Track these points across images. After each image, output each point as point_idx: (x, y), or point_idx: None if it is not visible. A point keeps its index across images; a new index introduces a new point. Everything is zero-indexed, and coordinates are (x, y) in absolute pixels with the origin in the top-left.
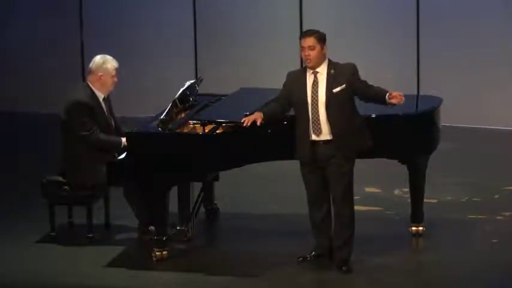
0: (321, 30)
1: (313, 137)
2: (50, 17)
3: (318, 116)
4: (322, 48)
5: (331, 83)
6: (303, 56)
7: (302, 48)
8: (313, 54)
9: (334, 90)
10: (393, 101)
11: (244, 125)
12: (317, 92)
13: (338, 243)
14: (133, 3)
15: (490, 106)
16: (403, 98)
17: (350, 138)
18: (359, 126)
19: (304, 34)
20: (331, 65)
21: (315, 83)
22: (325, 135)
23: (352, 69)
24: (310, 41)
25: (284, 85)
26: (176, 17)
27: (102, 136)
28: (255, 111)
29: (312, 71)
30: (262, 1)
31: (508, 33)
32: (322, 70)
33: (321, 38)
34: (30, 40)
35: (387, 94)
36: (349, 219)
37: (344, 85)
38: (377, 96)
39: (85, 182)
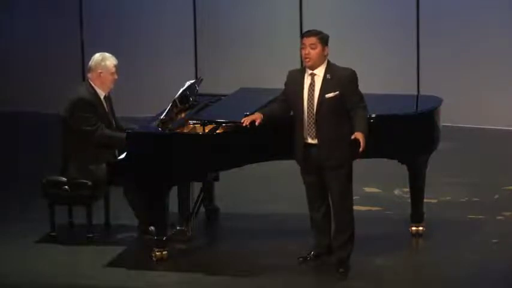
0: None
1: (308, 140)
2: (50, 17)
3: (313, 118)
4: (323, 49)
5: (325, 88)
6: (302, 55)
7: (303, 45)
8: (313, 53)
9: (327, 96)
10: (355, 136)
11: (244, 125)
12: (313, 94)
13: (337, 244)
14: (133, 3)
15: (490, 106)
16: (362, 146)
17: (335, 147)
18: (346, 136)
19: (307, 32)
20: (329, 69)
21: (312, 85)
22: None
23: (350, 77)
24: (312, 39)
25: (285, 84)
26: (176, 17)
27: (107, 131)
28: (255, 111)
29: (309, 72)
30: (262, 1)
31: (508, 33)
32: (320, 72)
33: (324, 39)
34: (30, 40)
35: (356, 132)
36: (347, 221)
37: (338, 92)
38: (353, 124)
39: (85, 180)
